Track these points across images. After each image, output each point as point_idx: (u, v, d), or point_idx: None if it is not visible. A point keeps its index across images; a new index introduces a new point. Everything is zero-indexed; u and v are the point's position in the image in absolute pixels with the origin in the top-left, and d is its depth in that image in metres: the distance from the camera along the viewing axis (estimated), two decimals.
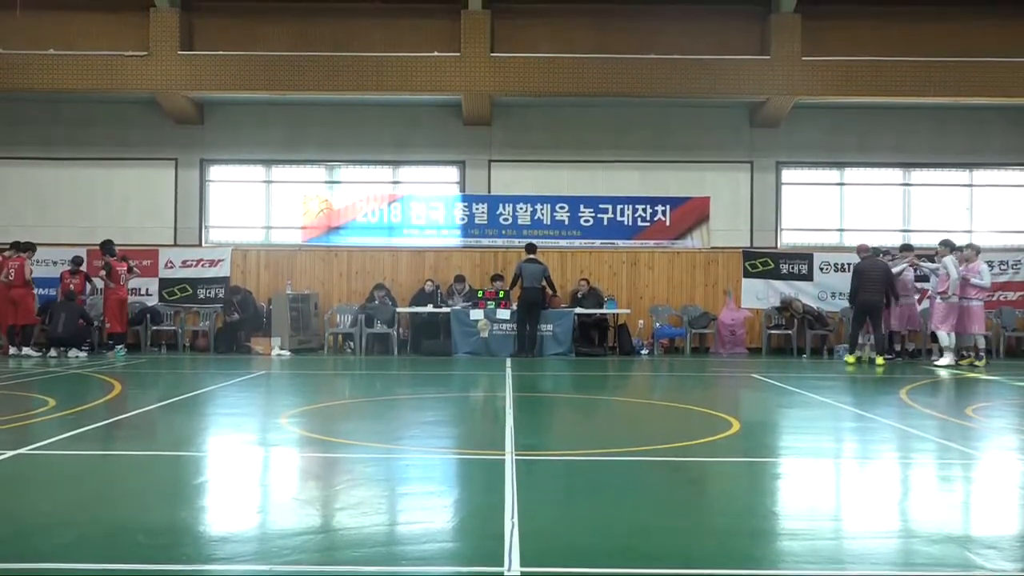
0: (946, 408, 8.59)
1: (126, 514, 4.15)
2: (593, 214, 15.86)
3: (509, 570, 3.27)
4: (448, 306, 14.62)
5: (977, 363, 12.80)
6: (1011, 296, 15.74)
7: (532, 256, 14.27)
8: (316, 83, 15.00)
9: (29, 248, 14.16)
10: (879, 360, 13.04)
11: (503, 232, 15.85)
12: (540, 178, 16.15)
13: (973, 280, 12.97)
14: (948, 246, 13.28)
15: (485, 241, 15.89)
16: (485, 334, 14.20)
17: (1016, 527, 4.17)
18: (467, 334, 14.22)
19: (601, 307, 14.89)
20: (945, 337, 12.90)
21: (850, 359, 13.43)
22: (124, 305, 14.37)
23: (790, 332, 15.30)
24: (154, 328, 15.34)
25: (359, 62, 14.98)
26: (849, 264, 14.64)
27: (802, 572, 3.34)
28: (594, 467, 5.38)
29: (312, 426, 7.03)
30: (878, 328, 13.45)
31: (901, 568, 3.43)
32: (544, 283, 14.15)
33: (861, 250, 13.92)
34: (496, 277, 15.20)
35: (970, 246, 13.46)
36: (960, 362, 13.04)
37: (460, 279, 15.16)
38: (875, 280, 13.29)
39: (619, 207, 15.87)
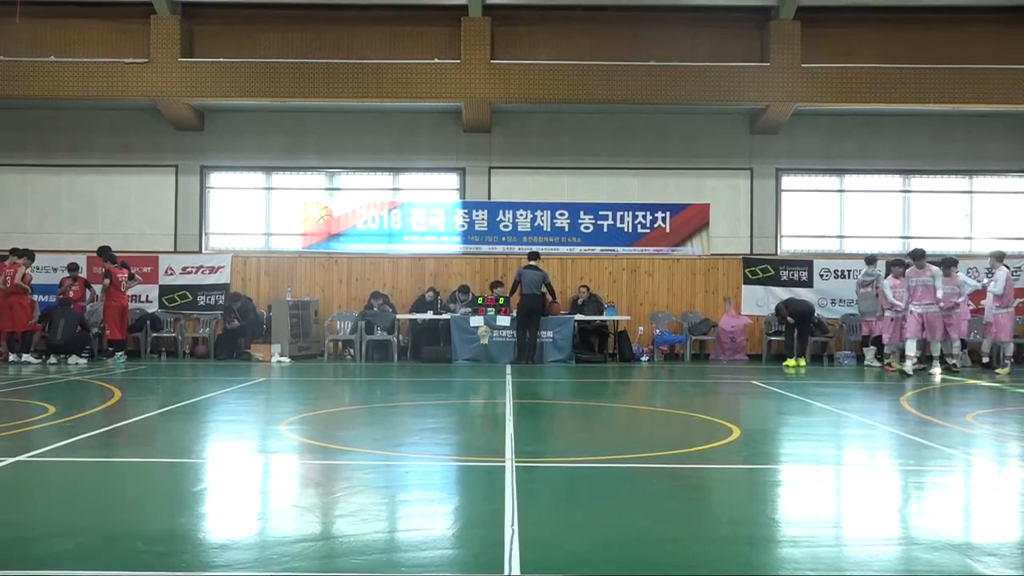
0: (946, 414, 8.58)
1: (125, 521, 4.14)
2: (593, 221, 15.88)
3: None
4: (449, 313, 14.62)
5: (1000, 371, 12.87)
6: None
7: (532, 263, 14.27)
8: (316, 90, 15.03)
9: (25, 254, 14.14)
10: (792, 362, 13.92)
11: (503, 239, 15.87)
12: (540, 185, 16.17)
13: (991, 288, 13.15)
14: (924, 257, 13.18)
15: (485, 248, 15.91)
16: (485, 340, 14.20)
17: (1017, 534, 4.16)
18: (467, 340, 14.21)
19: (601, 314, 14.89)
20: (937, 346, 12.80)
21: (790, 363, 13.94)
22: (124, 312, 14.33)
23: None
24: (154, 335, 15.35)
25: (359, 69, 15.01)
26: (850, 271, 14.71)
27: None
28: (594, 474, 5.36)
29: (312, 433, 7.02)
30: (806, 334, 14.30)
31: (902, 574, 3.42)
32: (544, 289, 14.15)
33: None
34: (496, 284, 15.21)
35: (996, 254, 13.70)
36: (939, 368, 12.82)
37: (464, 289, 15.15)
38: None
39: (619, 214, 15.88)
